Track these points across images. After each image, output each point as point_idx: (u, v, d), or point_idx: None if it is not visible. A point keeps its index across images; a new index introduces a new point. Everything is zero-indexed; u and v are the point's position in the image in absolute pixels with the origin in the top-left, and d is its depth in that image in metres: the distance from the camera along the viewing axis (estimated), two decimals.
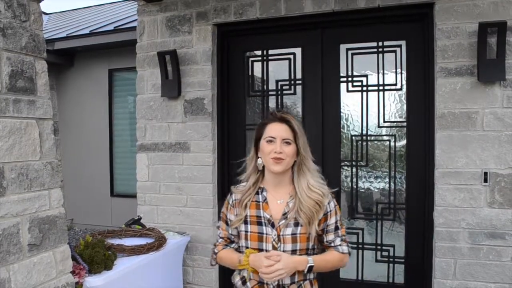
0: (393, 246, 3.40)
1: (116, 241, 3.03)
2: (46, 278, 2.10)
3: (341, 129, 3.51)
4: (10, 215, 1.93)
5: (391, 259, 3.41)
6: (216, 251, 1.85)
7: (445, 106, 3.04)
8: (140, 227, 3.41)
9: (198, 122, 3.68)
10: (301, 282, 1.69)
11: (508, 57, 2.87)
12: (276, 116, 1.71)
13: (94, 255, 2.52)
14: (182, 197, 3.74)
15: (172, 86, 3.68)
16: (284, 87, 3.69)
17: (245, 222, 1.72)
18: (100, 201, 6.15)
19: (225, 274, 3.82)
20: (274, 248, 1.64)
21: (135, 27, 4.03)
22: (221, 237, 1.85)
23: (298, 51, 3.60)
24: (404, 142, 3.37)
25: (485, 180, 2.96)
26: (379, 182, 3.48)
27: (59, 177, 2.23)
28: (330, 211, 1.70)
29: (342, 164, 3.51)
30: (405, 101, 3.35)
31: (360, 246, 3.49)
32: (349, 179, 3.52)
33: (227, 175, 3.81)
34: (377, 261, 3.44)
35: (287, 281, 1.65)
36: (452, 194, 3.04)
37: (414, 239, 3.31)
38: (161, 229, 3.41)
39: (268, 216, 1.69)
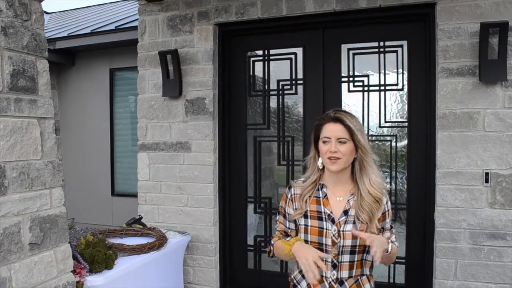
0: None
1: (117, 241, 3.03)
2: (47, 277, 2.10)
3: None
4: (11, 214, 1.93)
5: None
6: (272, 242, 1.89)
7: (447, 106, 3.04)
8: (141, 226, 3.41)
9: (199, 121, 3.68)
10: (359, 277, 1.72)
11: (509, 58, 2.87)
12: (330, 116, 1.73)
13: (95, 255, 2.52)
14: (183, 197, 3.74)
15: (173, 86, 3.68)
16: (285, 87, 3.68)
17: (305, 216, 1.75)
18: (101, 201, 6.16)
19: (226, 274, 3.83)
20: (334, 243, 1.68)
21: (136, 26, 4.03)
22: (277, 230, 1.90)
23: (299, 51, 3.60)
24: (405, 142, 3.37)
25: (486, 181, 2.96)
26: None
27: (60, 176, 2.23)
28: (388, 210, 1.74)
29: None
30: (406, 101, 3.34)
31: None
32: None
33: (228, 175, 3.81)
34: None
35: (345, 275, 1.69)
36: (453, 194, 3.04)
37: (415, 239, 3.31)
38: (162, 229, 3.41)
39: (329, 212, 1.72)
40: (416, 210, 3.31)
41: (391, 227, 1.79)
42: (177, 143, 3.76)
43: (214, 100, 3.67)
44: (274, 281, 3.73)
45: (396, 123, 3.40)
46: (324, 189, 1.78)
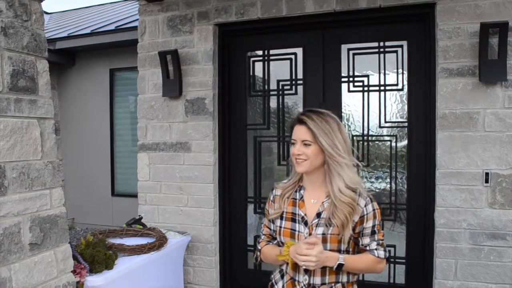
0: (394, 246, 3.40)
1: (117, 241, 3.03)
2: (47, 278, 2.10)
3: None
4: (11, 214, 1.93)
5: (392, 260, 3.40)
6: (259, 247, 1.88)
7: (446, 106, 3.04)
8: (141, 226, 3.41)
9: (199, 122, 3.68)
10: (332, 284, 1.66)
11: (509, 58, 2.87)
12: (297, 118, 1.72)
13: (95, 255, 2.52)
14: (183, 197, 3.74)
15: (173, 86, 3.68)
16: (285, 87, 3.69)
17: (281, 218, 1.75)
18: (101, 201, 6.16)
19: (226, 274, 3.83)
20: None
21: (136, 26, 4.03)
22: (264, 234, 1.88)
23: (299, 51, 3.60)
24: (405, 142, 3.37)
25: (486, 181, 2.96)
26: (380, 182, 3.47)
27: (60, 176, 2.23)
28: (367, 214, 1.65)
29: None
30: (406, 102, 3.34)
31: None
32: None
33: (228, 175, 3.81)
34: None
35: (317, 281, 1.65)
36: (453, 194, 3.03)
37: (415, 240, 3.31)
38: (162, 229, 3.41)
39: (302, 214, 1.70)
40: (416, 210, 3.31)
41: (375, 231, 1.66)
42: (177, 143, 3.76)
43: (214, 100, 3.67)
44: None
45: (396, 123, 3.40)
46: (302, 191, 1.76)
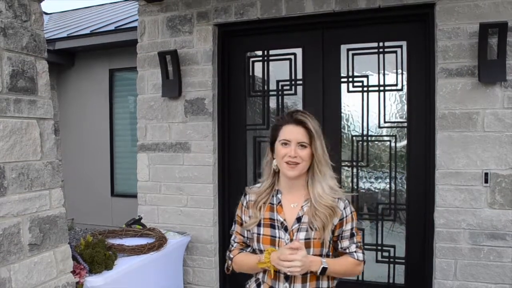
0: (393, 246, 3.40)
1: (116, 241, 3.03)
2: (47, 278, 2.10)
3: (342, 130, 3.51)
4: (10, 215, 1.93)
5: (392, 260, 3.41)
6: (231, 256, 1.78)
7: (446, 106, 3.04)
8: (141, 227, 3.41)
9: (198, 122, 3.68)
10: None
11: (509, 58, 2.87)
12: (292, 118, 1.62)
13: (95, 255, 2.52)
14: (183, 197, 3.74)
15: (172, 86, 3.68)
16: (284, 87, 3.69)
17: (259, 225, 1.67)
18: (100, 201, 6.15)
19: (226, 274, 3.82)
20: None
21: (135, 27, 4.03)
22: (236, 242, 1.78)
23: (298, 51, 3.60)
24: (404, 142, 3.37)
25: (486, 181, 2.96)
26: (379, 182, 3.47)
27: (59, 177, 2.23)
28: (346, 216, 1.63)
29: (343, 164, 3.51)
30: (405, 102, 3.34)
31: None
32: (349, 179, 3.52)
33: (228, 175, 3.81)
34: (377, 261, 3.44)
35: (298, 287, 1.60)
36: (452, 194, 3.04)
37: (415, 240, 3.31)
38: (161, 229, 3.41)
39: (282, 220, 1.64)
40: (415, 210, 3.31)
41: (354, 234, 1.65)
42: (177, 144, 3.76)
43: (213, 101, 3.67)
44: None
45: (396, 124, 3.40)
46: (279, 195, 1.68)
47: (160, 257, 3.04)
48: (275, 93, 3.73)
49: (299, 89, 3.63)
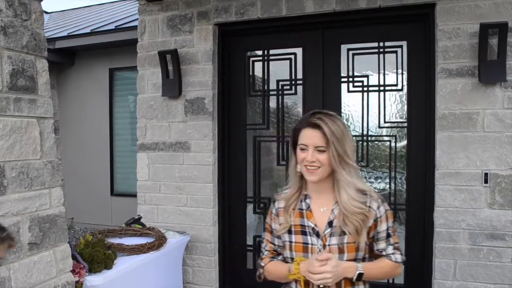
0: None
1: (116, 240, 3.03)
2: (46, 277, 2.10)
3: None
4: (10, 214, 1.93)
5: None
6: (262, 264, 1.74)
7: (446, 106, 3.04)
8: (140, 226, 3.41)
9: (198, 121, 3.68)
10: None
11: (509, 58, 2.87)
12: (308, 121, 1.56)
13: (94, 254, 2.52)
14: (182, 197, 3.74)
15: (172, 86, 3.68)
16: (285, 87, 3.69)
17: (289, 232, 1.61)
18: (100, 200, 6.15)
19: (225, 274, 3.83)
20: None
21: (136, 26, 4.03)
22: (267, 250, 1.74)
23: (299, 51, 3.60)
24: (404, 142, 3.37)
25: (486, 181, 2.96)
26: (379, 182, 3.47)
27: (59, 176, 2.23)
28: (380, 216, 1.55)
29: None
30: (405, 102, 3.34)
31: None
32: None
33: (227, 175, 3.81)
34: None
35: None
36: (452, 195, 3.04)
37: (414, 240, 3.31)
38: (161, 229, 3.41)
39: (313, 225, 1.58)
40: (415, 210, 3.31)
41: (390, 234, 1.57)
42: (177, 143, 3.75)
43: (213, 100, 3.67)
44: (274, 281, 3.73)
45: (396, 124, 3.40)
46: (308, 200, 1.62)
47: (160, 256, 3.04)
48: (275, 92, 3.73)
49: (299, 89, 3.62)
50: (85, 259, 2.49)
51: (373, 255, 1.62)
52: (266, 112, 3.76)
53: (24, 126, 2.02)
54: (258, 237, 3.82)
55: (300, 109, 3.64)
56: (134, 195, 4.14)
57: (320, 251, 1.53)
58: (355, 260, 1.53)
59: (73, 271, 2.31)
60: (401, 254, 1.60)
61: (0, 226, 1.59)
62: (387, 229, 1.57)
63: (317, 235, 1.56)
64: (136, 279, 2.82)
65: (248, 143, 3.81)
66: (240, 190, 3.83)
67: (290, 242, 1.61)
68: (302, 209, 1.62)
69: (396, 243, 1.60)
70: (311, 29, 3.52)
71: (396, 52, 3.34)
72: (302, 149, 1.56)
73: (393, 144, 3.40)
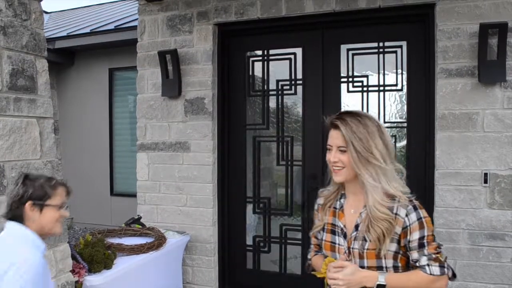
0: None
1: (116, 240, 3.03)
2: None
3: None
4: None
5: None
6: (309, 257, 1.78)
7: (446, 107, 3.04)
8: (140, 226, 3.41)
9: (198, 121, 3.68)
10: None
11: (508, 58, 2.87)
12: (330, 122, 1.54)
13: (94, 254, 2.52)
14: (182, 197, 3.74)
15: (172, 86, 3.68)
16: (284, 87, 3.68)
17: (323, 229, 1.62)
18: (100, 200, 6.15)
19: (225, 274, 3.83)
20: (347, 261, 1.50)
21: (135, 26, 4.03)
22: (312, 244, 1.77)
23: (298, 51, 3.60)
24: (404, 142, 3.37)
25: (485, 181, 2.96)
26: None
27: (59, 176, 2.23)
28: (410, 224, 1.44)
29: None
30: (405, 102, 3.35)
31: None
32: None
33: (227, 175, 3.81)
34: None
35: None
36: (452, 195, 3.04)
37: None
38: (161, 229, 3.41)
39: (342, 226, 1.56)
40: None
41: (424, 244, 1.43)
42: (176, 143, 3.75)
43: (213, 100, 3.67)
44: (273, 281, 3.73)
45: (395, 124, 3.40)
46: (342, 200, 1.60)
47: (160, 256, 3.04)
48: (275, 92, 3.73)
49: (299, 89, 3.62)
50: (85, 259, 2.49)
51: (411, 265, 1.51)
52: (266, 112, 3.76)
53: (24, 126, 2.02)
54: (257, 237, 3.82)
55: (299, 109, 3.64)
56: (133, 195, 4.14)
57: (345, 252, 1.52)
58: (378, 267, 1.47)
59: (72, 271, 2.31)
60: (441, 266, 1.44)
61: (45, 176, 1.68)
62: (420, 239, 1.44)
63: (345, 236, 1.55)
64: (136, 279, 2.82)
65: (248, 143, 3.81)
66: (239, 190, 3.82)
67: (321, 240, 1.63)
68: (336, 208, 1.61)
69: (433, 253, 1.45)
70: (311, 29, 3.52)
71: (396, 52, 3.34)
72: (328, 150, 1.56)
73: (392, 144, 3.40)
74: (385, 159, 1.48)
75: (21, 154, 2.00)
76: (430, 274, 1.43)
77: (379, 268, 1.47)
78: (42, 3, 2.17)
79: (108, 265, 2.57)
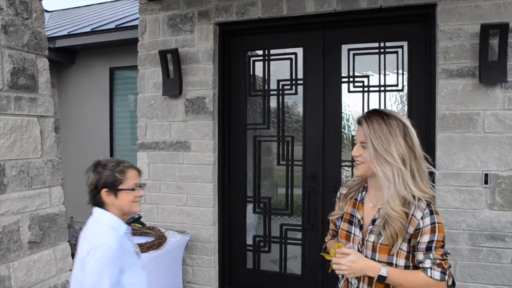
0: None
1: None
2: (46, 276, 2.10)
3: (342, 130, 3.51)
4: (10, 212, 1.93)
5: None
6: (326, 240, 1.89)
7: (446, 107, 3.04)
8: (140, 225, 3.41)
9: (199, 121, 3.68)
10: None
11: (509, 59, 2.87)
12: (357, 119, 1.63)
13: None
14: (182, 196, 3.74)
15: (173, 85, 3.68)
16: (285, 87, 3.68)
17: (341, 218, 1.70)
18: None
19: (225, 273, 3.83)
20: (359, 251, 1.57)
21: (136, 25, 4.03)
22: (330, 229, 1.87)
23: (299, 51, 3.60)
24: None
25: (486, 182, 2.96)
26: None
27: (59, 175, 2.23)
28: (424, 227, 1.47)
29: (343, 164, 3.51)
30: (406, 102, 3.34)
31: None
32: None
33: (227, 175, 3.81)
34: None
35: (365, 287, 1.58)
36: (452, 195, 3.04)
37: None
38: (161, 228, 3.41)
39: (359, 217, 1.63)
40: None
41: (431, 248, 1.46)
42: (177, 143, 3.75)
43: (214, 100, 3.67)
44: (273, 281, 3.73)
45: None
46: (364, 193, 1.67)
47: (160, 256, 3.04)
48: (275, 92, 3.72)
49: (300, 88, 3.62)
50: None
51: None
52: (266, 112, 3.76)
53: (25, 125, 2.02)
54: (257, 236, 3.82)
55: (300, 109, 3.64)
56: None
57: (359, 243, 1.59)
58: (389, 264, 1.51)
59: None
60: (444, 273, 1.47)
61: (115, 161, 1.83)
62: (429, 242, 1.47)
63: (361, 228, 1.61)
64: None
65: (248, 143, 3.81)
66: (240, 190, 3.82)
67: (339, 228, 1.71)
68: (357, 200, 1.68)
69: (438, 259, 1.48)
70: (311, 29, 3.52)
71: (396, 52, 3.34)
72: (354, 144, 1.64)
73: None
74: (405, 160, 1.53)
75: (22, 152, 2.00)
76: (431, 277, 1.46)
77: (389, 264, 1.51)
78: (43, 2, 2.17)
79: None
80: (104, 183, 1.74)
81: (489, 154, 2.95)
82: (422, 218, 1.48)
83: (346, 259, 1.51)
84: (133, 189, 1.74)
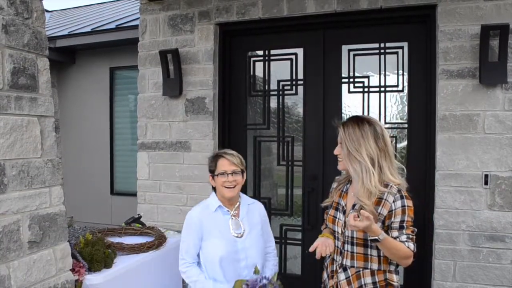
0: None
1: (116, 240, 3.03)
2: (46, 276, 2.10)
3: None
4: (10, 212, 1.92)
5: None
6: (322, 228, 2.14)
7: (447, 108, 3.04)
8: (140, 225, 3.40)
9: (199, 121, 3.68)
10: (361, 269, 1.84)
11: (510, 60, 2.87)
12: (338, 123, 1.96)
13: (94, 253, 2.51)
14: (182, 196, 3.74)
15: (173, 85, 3.68)
16: (285, 87, 3.69)
17: (331, 206, 2.02)
18: (100, 199, 6.15)
19: None
20: (342, 232, 1.89)
21: (137, 25, 4.03)
22: (325, 219, 2.09)
23: (300, 51, 3.60)
24: (405, 143, 3.37)
25: (486, 183, 2.96)
26: None
27: (59, 174, 2.23)
28: (396, 209, 1.77)
29: None
30: (406, 103, 3.35)
31: None
32: None
33: None
34: None
35: (348, 263, 1.86)
36: (452, 196, 3.04)
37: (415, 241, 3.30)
38: (161, 228, 3.40)
39: (343, 204, 1.94)
40: (415, 211, 3.29)
41: (404, 227, 1.77)
42: (177, 143, 3.75)
43: (214, 100, 3.67)
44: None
45: (396, 125, 3.40)
46: (348, 185, 1.98)
47: (160, 255, 3.04)
48: (275, 93, 3.73)
49: (300, 89, 3.62)
50: (85, 258, 2.48)
51: None
52: (266, 112, 3.76)
53: (25, 125, 2.02)
54: None
55: (300, 109, 3.64)
56: (134, 194, 4.14)
57: (342, 225, 1.90)
58: (365, 240, 1.80)
59: (72, 270, 2.31)
60: (414, 245, 1.77)
61: (216, 151, 2.34)
62: (401, 222, 1.77)
63: (344, 212, 1.92)
64: (136, 278, 2.82)
65: (248, 143, 3.81)
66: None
67: (328, 214, 2.03)
68: (342, 191, 2.00)
69: (411, 234, 1.78)
70: (312, 29, 3.52)
71: (397, 53, 3.34)
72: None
73: (393, 145, 3.40)
74: (373, 159, 1.80)
75: (22, 152, 1.99)
76: (407, 247, 1.75)
77: (365, 240, 1.80)
78: (43, 1, 2.17)
79: (108, 264, 2.57)
80: (209, 170, 2.28)
81: (489, 155, 2.95)
82: (394, 201, 1.78)
83: (366, 221, 1.66)
84: (222, 174, 2.17)
